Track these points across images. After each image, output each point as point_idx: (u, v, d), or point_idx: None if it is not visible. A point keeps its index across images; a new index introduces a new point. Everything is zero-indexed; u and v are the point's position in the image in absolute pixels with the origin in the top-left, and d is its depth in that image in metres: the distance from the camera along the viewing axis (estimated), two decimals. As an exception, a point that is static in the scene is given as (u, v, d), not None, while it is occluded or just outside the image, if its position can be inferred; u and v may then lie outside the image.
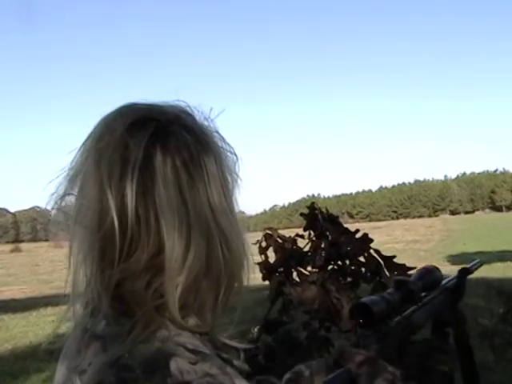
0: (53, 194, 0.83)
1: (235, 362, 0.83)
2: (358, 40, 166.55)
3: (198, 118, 0.86)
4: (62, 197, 0.83)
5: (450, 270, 1.37)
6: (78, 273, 0.80)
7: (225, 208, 0.82)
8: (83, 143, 0.82)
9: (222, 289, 0.82)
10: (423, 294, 1.22)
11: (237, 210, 0.87)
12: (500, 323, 4.02)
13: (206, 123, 0.87)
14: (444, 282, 1.28)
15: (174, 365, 0.71)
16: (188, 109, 0.87)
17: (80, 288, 0.80)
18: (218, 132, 0.88)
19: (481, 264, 1.43)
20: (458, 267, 1.33)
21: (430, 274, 1.26)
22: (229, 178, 0.86)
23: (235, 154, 0.88)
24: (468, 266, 1.36)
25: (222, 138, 0.88)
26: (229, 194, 0.85)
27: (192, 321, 0.80)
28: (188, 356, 0.73)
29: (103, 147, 0.78)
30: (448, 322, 1.21)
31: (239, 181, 0.88)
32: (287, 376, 1.11)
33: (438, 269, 1.30)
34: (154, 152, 0.77)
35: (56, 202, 0.83)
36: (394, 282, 1.17)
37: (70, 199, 0.83)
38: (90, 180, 0.79)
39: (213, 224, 0.80)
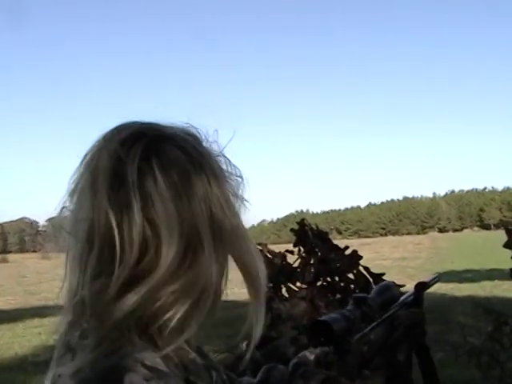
0: (62, 209, 0.85)
1: None
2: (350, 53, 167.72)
3: (200, 140, 0.87)
4: (61, 210, 0.85)
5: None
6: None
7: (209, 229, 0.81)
8: (83, 159, 0.84)
9: (204, 310, 0.81)
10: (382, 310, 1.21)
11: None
12: (488, 341, 4.03)
13: (207, 145, 0.88)
14: (402, 297, 1.28)
15: (128, 380, 0.72)
16: (191, 130, 0.88)
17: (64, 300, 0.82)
18: (222, 155, 0.88)
19: (438, 280, 1.44)
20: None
21: (389, 291, 1.27)
22: (232, 201, 0.85)
23: (240, 177, 0.89)
24: (426, 280, 1.37)
25: (228, 161, 0.89)
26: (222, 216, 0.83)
27: (164, 340, 0.79)
28: (144, 372, 0.74)
29: (99, 164, 0.80)
30: (408, 337, 1.21)
31: (244, 203, 0.88)
32: (294, 361, 1.12)
33: (396, 285, 1.31)
34: (147, 169, 0.78)
35: (56, 215, 0.85)
36: (353, 298, 1.17)
37: (66, 212, 0.84)
38: (87, 194, 0.80)
39: (205, 241, 0.80)
